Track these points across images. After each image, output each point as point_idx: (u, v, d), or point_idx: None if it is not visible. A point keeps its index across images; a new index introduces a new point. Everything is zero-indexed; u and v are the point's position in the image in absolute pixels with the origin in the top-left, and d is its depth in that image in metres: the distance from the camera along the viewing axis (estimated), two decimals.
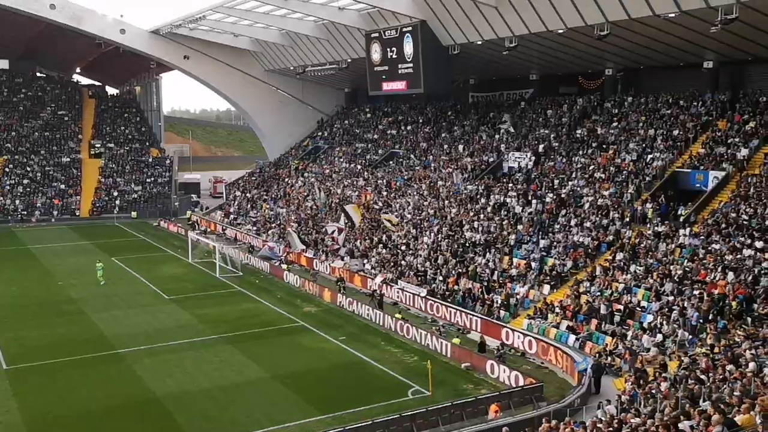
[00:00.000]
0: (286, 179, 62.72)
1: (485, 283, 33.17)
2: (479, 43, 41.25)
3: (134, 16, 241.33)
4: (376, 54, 48.49)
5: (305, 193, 56.23)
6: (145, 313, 34.65)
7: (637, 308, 26.95)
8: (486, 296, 32.24)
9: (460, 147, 49.24)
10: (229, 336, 30.59)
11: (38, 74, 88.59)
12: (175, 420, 22.18)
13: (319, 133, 69.64)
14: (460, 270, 35.08)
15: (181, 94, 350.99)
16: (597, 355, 24.96)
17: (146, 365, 27.01)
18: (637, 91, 42.16)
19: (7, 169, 69.53)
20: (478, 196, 41.44)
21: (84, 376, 25.85)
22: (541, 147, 42.52)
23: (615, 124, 40.38)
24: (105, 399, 23.90)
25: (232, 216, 60.12)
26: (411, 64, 45.45)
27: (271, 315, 34.62)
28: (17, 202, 66.18)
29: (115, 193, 70.08)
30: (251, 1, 47.97)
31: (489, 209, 39.46)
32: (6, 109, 77.40)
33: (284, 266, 43.30)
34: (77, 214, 66.80)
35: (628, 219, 32.42)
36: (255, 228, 54.39)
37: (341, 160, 59.98)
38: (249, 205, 60.97)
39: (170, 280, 41.50)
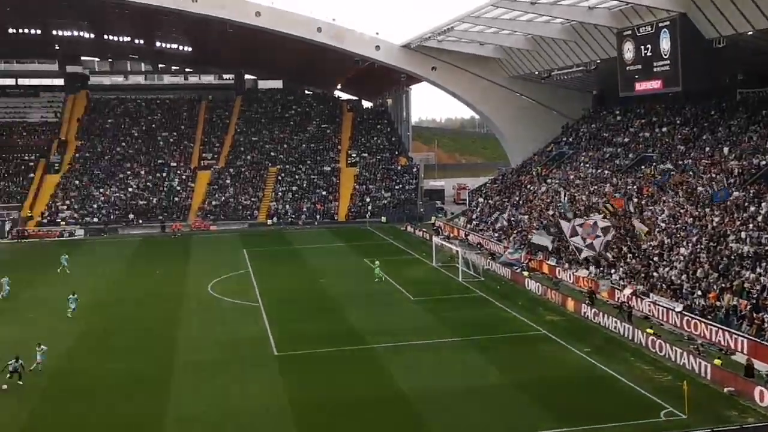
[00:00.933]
0: (528, 186, 62.03)
1: (754, 301, 29.68)
2: (750, 33, 37.19)
3: (387, 32, 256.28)
4: (628, 53, 46.01)
5: (548, 200, 55.08)
6: (392, 312, 36.47)
7: None
8: (755, 315, 28.82)
9: (725, 149, 44.73)
10: (470, 339, 30.99)
11: (306, 92, 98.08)
12: (420, 417, 22.99)
13: (564, 138, 67.83)
14: (723, 285, 31.81)
15: (427, 103, 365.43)
16: None
17: (393, 361, 28.35)
18: None
19: (279, 178, 77.94)
20: (747, 204, 37.27)
21: (339, 367, 27.88)
22: None
23: None
24: (357, 390, 25.57)
25: (474, 222, 60.98)
26: (668, 62, 42.37)
27: (512, 321, 34.42)
28: (287, 206, 73.80)
29: (368, 199, 74.94)
30: (498, 9, 48.35)
31: (760, 218, 35.27)
32: (280, 124, 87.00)
33: (526, 273, 42.82)
34: (335, 218, 72.64)
35: None
36: (497, 234, 54.55)
37: (587, 165, 57.78)
38: (491, 212, 61.31)
39: (416, 282, 43.19)
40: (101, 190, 74.75)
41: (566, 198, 51.21)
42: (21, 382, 25.63)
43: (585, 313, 34.39)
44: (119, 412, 23.83)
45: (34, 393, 25.48)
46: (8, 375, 25.56)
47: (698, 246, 35.86)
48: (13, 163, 78.04)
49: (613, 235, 40.44)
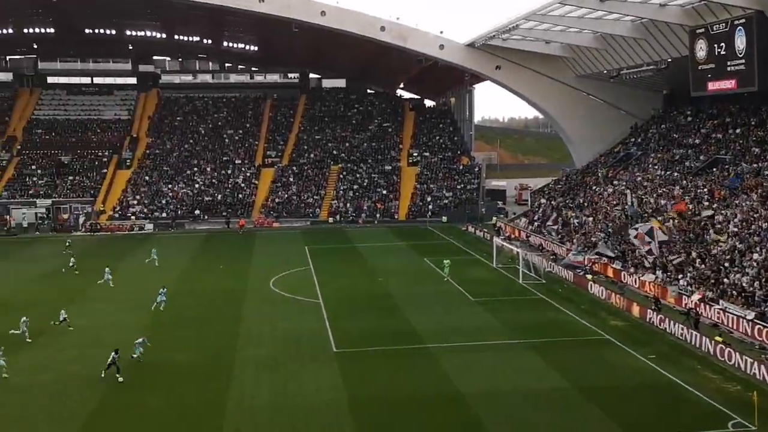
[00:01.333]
0: (593, 187, 60.72)
1: None
2: None
3: (451, 31, 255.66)
4: (701, 51, 44.55)
5: (614, 202, 53.79)
6: (451, 312, 36.34)
7: None
8: None
9: None
10: (530, 342, 30.60)
11: (369, 91, 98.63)
12: (478, 418, 22.84)
13: (632, 139, 66.08)
14: None
15: (490, 103, 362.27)
16: None
17: (451, 362, 28.26)
18: None
19: (341, 176, 78.68)
20: None
21: (398, 366, 27.99)
22: None
23: None
24: (415, 388, 25.61)
25: (536, 223, 60.11)
26: (743, 60, 40.85)
27: (573, 325, 33.82)
28: (348, 205, 74.41)
29: (428, 199, 74.81)
30: (565, 6, 47.50)
31: None
32: (342, 123, 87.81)
33: (589, 276, 41.97)
34: (396, 217, 72.80)
35: None
36: (559, 236, 53.64)
37: (656, 167, 56.13)
38: (554, 213, 60.32)
39: (475, 283, 42.91)
40: (169, 186, 77.07)
41: (633, 200, 49.96)
42: (120, 377, 26.33)
43: (650, 318, 33.46)
44: (182, 402, 24.58)
45: (103, 382, 26.48)
46: (107, 367, 26.48)
47: None
48: (88, 159, 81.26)
49: (667, 238, 39.52)
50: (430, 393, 25.13)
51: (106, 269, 43.53)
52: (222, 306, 38.02)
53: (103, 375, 26.49)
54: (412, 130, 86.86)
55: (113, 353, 26.66)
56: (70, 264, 47.77)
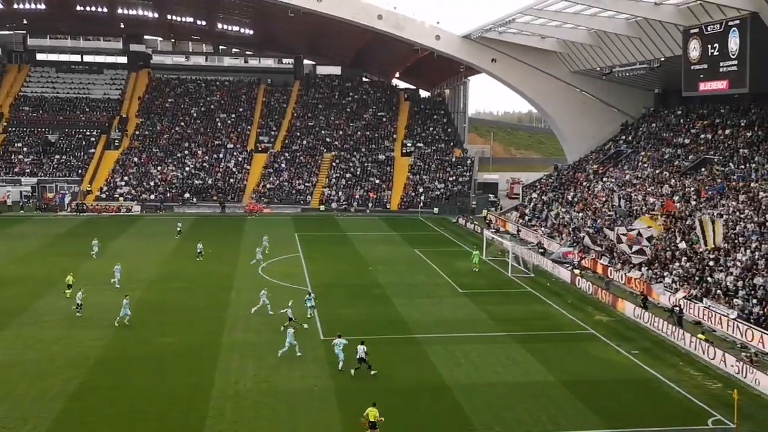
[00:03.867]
0: (584, 183, 61.01)
1: None
2: None
3: (448, 22, 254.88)
4: (694, 51, 44.72)
5: (604, 198, 54.11)
6: (440, 303, 36.51)
7: None
8: None
9: None
10: (516, 335, 30.83)
11: (364, 79, 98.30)
12: (462, 409, 23.01)
13: (623, 137, 66.41)
14: None
15: (484, 96, 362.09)
16: None
17: (438, 352, 28.43)
18: None
19: (334, 164, 78.55)
20: None
21: (385, 355, 27.99)
22: None
23: None
24: (400, 377, 25.79)
25: (527, 217, 60.35)
26: (735, 62, 41.03)
27: (560, 319, 34.09)
28: (340, 193, 74.36)
29: (421, 190, 74.90)
30: (561, 2, 47.56)
31: None
32: (336, 110, 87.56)
33: (577, 271, 42.25)
34: (388, 207, 72.86)
35: None
36: (548, 231, 53.91)
37: (645, 165, 56.47)
38: (544, 208, 60.62)
39: (464, 275, 43.11)
40: (159, 168, 76.69)
41: (620, 200, 50.20)
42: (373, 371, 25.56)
43: (635, 314, 33.78)
44: (168, 384, 24.61)
45: (85, 363, 26.46)
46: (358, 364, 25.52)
47: (756, 253, 34.75)
48: (75, 138, 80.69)
49: (657, 236, 39.64)
50: (416, 383, 25.29)
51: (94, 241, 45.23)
52: (210, 290, 38.01)
53: (353, 373, 25.61)
54: (407, 120, 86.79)
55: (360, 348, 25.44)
56: (198, 251, 46.15)
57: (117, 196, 71.90)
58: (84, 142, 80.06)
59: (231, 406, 22.91)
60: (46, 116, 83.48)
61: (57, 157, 77.27)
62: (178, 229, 54.86)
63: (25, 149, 77.89)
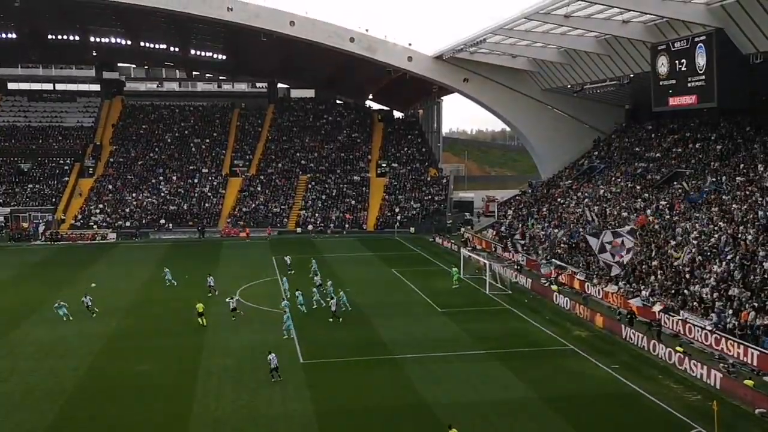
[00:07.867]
0: (559, 199, 61.58)
1: None
2: None
3: (420, 43, 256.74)
4: (662, 67, 45.60)
5: (578, 214, 54.61)
6: (418, 322, 36.41)
7: None
8: None
9: (760, 166, 43.96)
10: (495, 352, 30.82)
11: (338, 101, 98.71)
12: (444, 428, 22.85)
13: (596, 153, 67.29)
14: (756, 304, 31.21)
15: (458, 115, 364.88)
16: None
17: (418, 372, 28.31)
18: None
19: (310, 186, 78.44)
20: None
21: (365, 376, 27.95)
22: None
23: None
24: (382, 399, 25.60)
25: (502, 235, 60.62)
26: (703, 77, 41.90)
27: (538, 335, 34.17)
28: (316, 215, 74.17)
29: (397, 209, 75.00)
30: (530, 21, 48.27)
31: None
32: (311, 133, 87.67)
33: (554, 287, 42.47)
34: (364, 227, 72.78)
35: None
36: (525, 249, 54.17)
37: (618, 180, 57.19)
38: (520, 224, 60.97)
39: (442, 293, 43.10)
40: (134, 194, 75.99)
41: (593, 216, 50.65)
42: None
43: (613, 328, 33.97)
44: (146, 413, 24.16)
45: (62, 394, 25.93)
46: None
47: (731, 265, 35.23)
48: (49, 167, 79.77)
49: (635, 253, 39.97)
50: (397, 403, 25.13)
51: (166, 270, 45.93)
52: (187, 316, 37.51)
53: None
54: (381, 141, 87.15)
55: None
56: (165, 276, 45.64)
57: (92, 224, 71.00)
58: (57, 171, 79.17)
59: None
60: (18, 145, 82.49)
61: (30, 186, 76.26)
62: (167, 277, 46.73)
63: None
